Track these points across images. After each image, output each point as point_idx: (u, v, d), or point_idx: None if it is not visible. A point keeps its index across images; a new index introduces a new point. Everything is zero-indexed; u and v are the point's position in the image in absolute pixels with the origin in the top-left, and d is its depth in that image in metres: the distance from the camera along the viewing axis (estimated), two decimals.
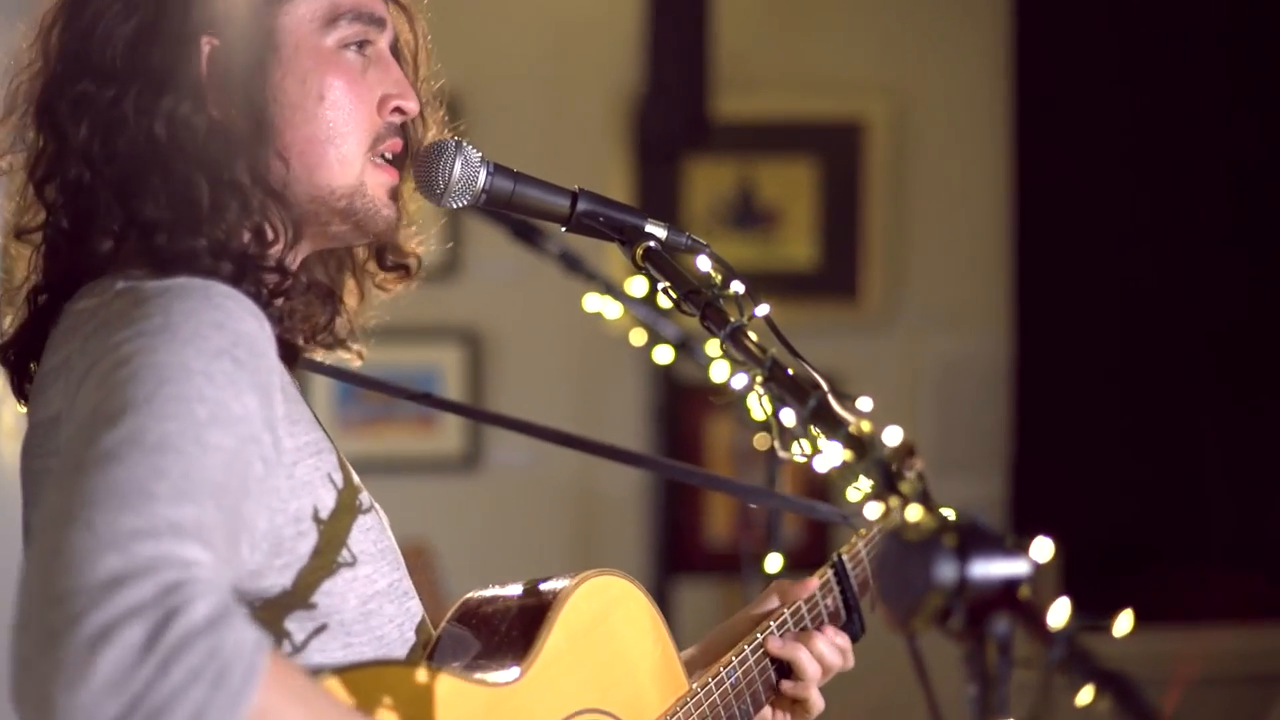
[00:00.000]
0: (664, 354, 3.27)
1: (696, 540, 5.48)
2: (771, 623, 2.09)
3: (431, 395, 2.09)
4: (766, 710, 2.09)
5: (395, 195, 1.87)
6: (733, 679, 2.05)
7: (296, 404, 1.72)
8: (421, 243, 1.99)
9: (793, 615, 2.11)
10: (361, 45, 1.83)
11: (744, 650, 2.07)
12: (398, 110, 1.85)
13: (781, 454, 1.66)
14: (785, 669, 2.09)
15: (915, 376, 5.56)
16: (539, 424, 1.99)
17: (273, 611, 1.66)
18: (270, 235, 1.77)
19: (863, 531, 2.19)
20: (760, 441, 3.35)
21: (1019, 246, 5.56)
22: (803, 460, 1.62)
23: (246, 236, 1.75)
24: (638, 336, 3.36)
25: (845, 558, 2.16)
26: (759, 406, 1.68)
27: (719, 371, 2.96)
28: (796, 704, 2.11)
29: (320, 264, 1.95)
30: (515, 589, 1.94)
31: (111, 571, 1.35)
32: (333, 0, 1.81)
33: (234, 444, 1.51)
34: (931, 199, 5.59)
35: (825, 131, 5.52)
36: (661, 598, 4.95)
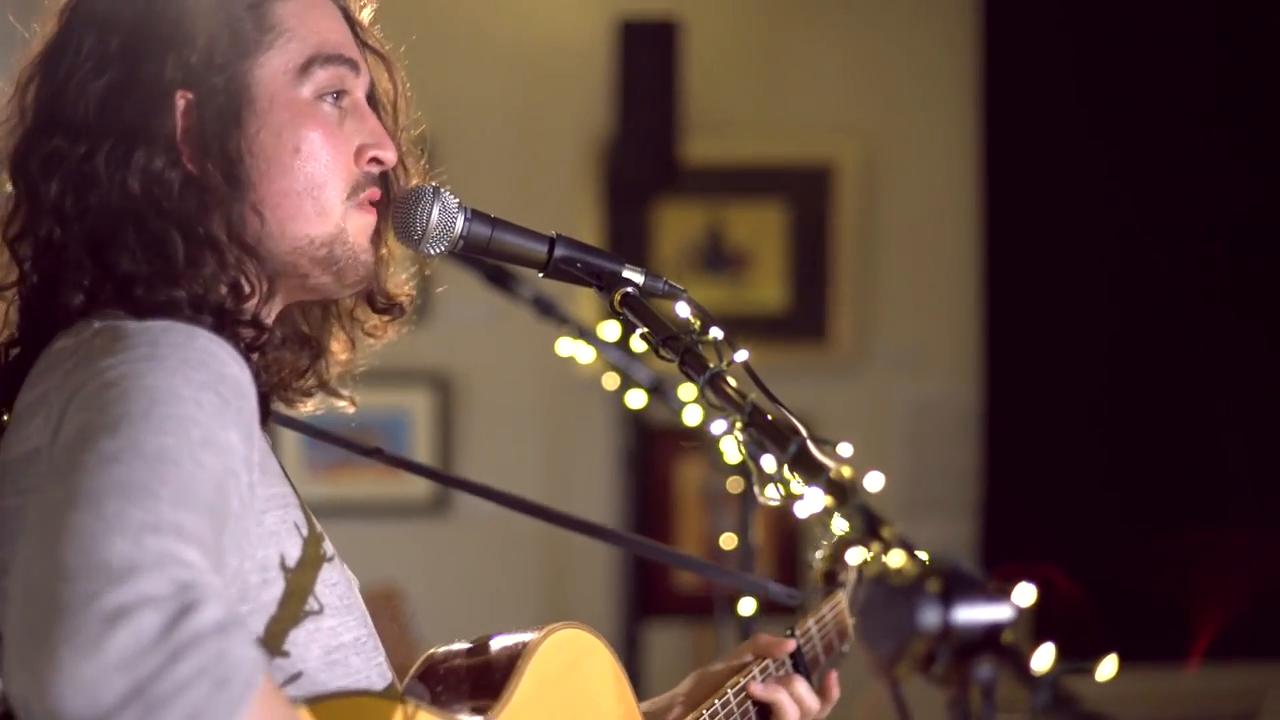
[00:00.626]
0: (637, 398, 3.28)
1: (667, 584, 5.46)
2: (755, 668, 2.14)
3: (382, 451, 2.09)
4: None
5: (376, 239, 1.87)
6: (719, 717, 2.09)
7: (268, 457, 1.72)
8: (406, 284, 1.99)
9: (775, 663, 2.16)
10: (338, 96, 1.83)
11: (726, 693, 2.11)
12: (375, 160, 1.84)
13: (759, 498, 1.66)
14: (765, 713, 2.13)
15: (885, 418, 5.57)
16: (496, 488, 1.99)
17: None
18: (246, 289, 1.77)
19: (813, 611, 2.24)
20: (733, 485, 3.35)
21: (989, 288, 5.58)
22: (778, 504, 1.62)
23: (223, 290, 1.75)
24: (611, 381, 3.36)
25: (797, 634, 2.20)
26: (735, 450, 1.68)
27: (693, 416, 2.97)
28: None
29: (301, 316, 1.94)
30: (478, 643, 1.94)
31: (124, 557, 1.36)
32: (303, 46, 1.80)
33: (221, 470, 1.51)
34: (901, 241, 5.62)
35: (795, 175, 5.54)
36: (632, 642, 4.93)
